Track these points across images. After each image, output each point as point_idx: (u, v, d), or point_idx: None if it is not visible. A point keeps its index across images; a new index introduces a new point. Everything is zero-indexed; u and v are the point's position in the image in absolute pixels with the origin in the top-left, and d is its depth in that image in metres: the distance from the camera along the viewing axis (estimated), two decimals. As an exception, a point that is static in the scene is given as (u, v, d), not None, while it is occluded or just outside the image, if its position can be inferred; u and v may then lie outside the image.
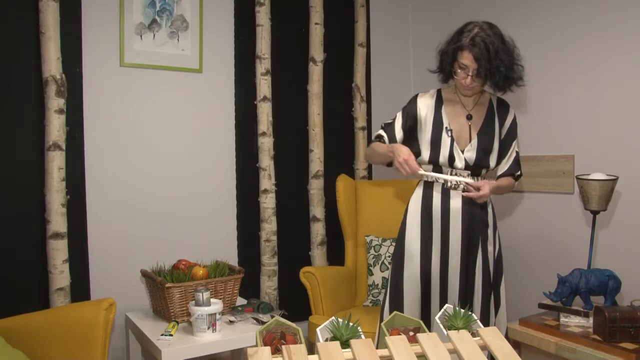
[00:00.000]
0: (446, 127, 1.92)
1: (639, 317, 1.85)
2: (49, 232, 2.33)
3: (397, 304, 1.95)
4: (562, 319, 2.08)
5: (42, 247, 2.34)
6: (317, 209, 3.03)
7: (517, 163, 1.99)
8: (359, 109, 3.19)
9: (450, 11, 3.18)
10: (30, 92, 2.33)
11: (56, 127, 2.32)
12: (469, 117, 1.94)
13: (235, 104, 2.86)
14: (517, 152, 2.00)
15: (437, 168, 1.93)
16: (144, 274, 2.40)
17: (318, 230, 3.03)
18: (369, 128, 3.25)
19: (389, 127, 1.99)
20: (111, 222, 2.54)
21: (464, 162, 1.89)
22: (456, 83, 1.91)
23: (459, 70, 1.83)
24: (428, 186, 1.95)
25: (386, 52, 3.36)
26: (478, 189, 1.83)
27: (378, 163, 2.04)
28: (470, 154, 1.90)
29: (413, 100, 2.00)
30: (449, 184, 1.91)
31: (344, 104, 3.19)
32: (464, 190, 1.88)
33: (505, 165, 1.99)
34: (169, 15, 2.64)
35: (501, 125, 1.96)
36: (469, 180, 1.87)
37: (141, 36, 2.58)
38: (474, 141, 1.91)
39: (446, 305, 1.34)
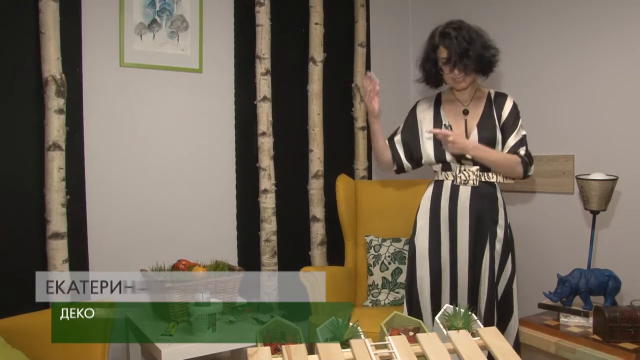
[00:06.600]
0: (445, 124, 1.98)
1: (639, 317, 1.85)
2: (49, 232, 2.33)
3: (412, 303, 2.01)
4: (562, 319, 2.08)
5: (42, 247, 2.34)
6: (317, 209, 3.03)
7: (521, 142, 1.98)
8: (359, 109, 3.18)
9: (450, 11, 3.17)
10: (30, 92, 2.33)
11: (56, 127, 2.32)
12: (465, 112, 1.98)
13: (235, 104, 2.86)
14: (524, 135, 2.00)
15: (446, 165, 1.97)
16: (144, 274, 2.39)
17: (318, 230, 3.03)
18: (369, 128, 3.24)
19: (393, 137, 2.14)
20: (111, 222, 2.54)
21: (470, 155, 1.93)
22: (447, 81, 1.97)
23: (444, 67, 1.90)
24: (438, 184, 2.00)
25: (386, 52, 3.36)
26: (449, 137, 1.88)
27: (383, 156, 2.14)
28: None
29: (413, 108, 2.12)
30: (458, 180, 1.93)
31: (344, 104, 3.19)
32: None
33: (510, 143, 1.98)
34: (168, 15, 2.64)
35: (499, 115, 1.99)
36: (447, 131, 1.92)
37: (141, 36, 2.58)
38: (474, 133, 1.95)
39: (446, 305, 1.34)
